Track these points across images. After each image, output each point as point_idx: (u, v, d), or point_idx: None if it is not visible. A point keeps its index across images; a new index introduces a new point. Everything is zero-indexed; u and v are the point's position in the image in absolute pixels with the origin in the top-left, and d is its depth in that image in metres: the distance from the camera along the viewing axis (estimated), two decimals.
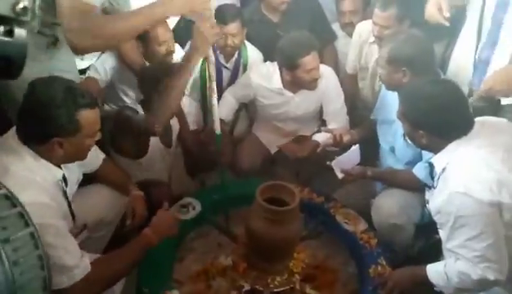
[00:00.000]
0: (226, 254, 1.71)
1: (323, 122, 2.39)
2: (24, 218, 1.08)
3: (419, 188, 1.65)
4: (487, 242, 1.30)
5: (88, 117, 1.36)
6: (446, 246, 1.40)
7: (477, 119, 1.44)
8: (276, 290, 1.56)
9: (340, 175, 1.91)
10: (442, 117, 1.37)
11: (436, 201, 1.39)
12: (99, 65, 2.14)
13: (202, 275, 1.65)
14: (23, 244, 1.04)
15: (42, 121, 1.32)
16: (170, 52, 2.19)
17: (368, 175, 1.88)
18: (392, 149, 1.94)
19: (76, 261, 1.31)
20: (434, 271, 1.46)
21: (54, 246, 1.25)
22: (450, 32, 2.04)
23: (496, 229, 1.30)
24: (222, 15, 2.30)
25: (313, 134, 2.33)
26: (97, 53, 2.17)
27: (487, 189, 1.29)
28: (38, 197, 1.28)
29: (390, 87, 1.83)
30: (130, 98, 2.26)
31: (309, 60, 2.12)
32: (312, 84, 2.21)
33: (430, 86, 1.43)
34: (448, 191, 1.33)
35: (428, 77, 1.64)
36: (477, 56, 1.83)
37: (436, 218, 1.42)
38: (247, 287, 1.57)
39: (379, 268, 1.61)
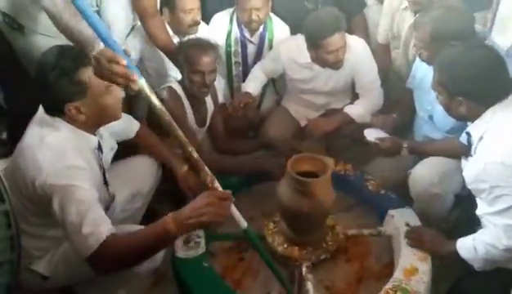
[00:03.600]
0: (257, 228, 1.71)
1: (356, 95, 2.33)
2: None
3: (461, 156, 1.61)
4: None
5: (91, 74, 1.30)
6: (480, 212, 1.40)
7: None
8: (309, 262, 1.56)
9: (373, 139, 1.86)
10: (482, 82, 1.36)
11: (472, 169, 1.38)
12: (129, 44, 2.14)
13: (235, 247, 1.67)
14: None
15: (46, 89, 1.33)
16: (196, 22, 2.20)
17: (404, 147, 1.82)
18: (431, 118, 1.88)
19: (91, 229, 1.18)
20: (463, 245, 1.45)
21: (74, 212, 1.20)
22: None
23: None
24: None
25: (344, 106, 2.28)
26: None
27: None
28: (72, 160, 1.30)
29: (431, 62, 1.74)
30: (161, 76, 2.27)
31: (333, 41, 2.06)
32: (335, 65, 2.15)
33: (468, 52, 1.42)
34: (485, 160, 1.31)
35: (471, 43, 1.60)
36: None
37: (471, 187, 1.41)
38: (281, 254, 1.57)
39: None
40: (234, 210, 1.23)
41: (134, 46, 2.14)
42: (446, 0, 1.98)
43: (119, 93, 1.42)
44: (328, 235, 1.64)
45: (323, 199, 1.52)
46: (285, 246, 1.60)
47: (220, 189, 1.20)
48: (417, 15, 1.93)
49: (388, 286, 1.40)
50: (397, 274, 1.44)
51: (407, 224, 1.62)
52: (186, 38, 2.15)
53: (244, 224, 1.26)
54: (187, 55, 1.96)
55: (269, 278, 1.47)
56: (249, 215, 1.75)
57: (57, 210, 1.24)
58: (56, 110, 1.38)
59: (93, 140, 1.46)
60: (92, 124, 1.44)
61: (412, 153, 1.84)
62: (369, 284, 1.52)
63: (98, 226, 1.19)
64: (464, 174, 1.45)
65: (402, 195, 1.79)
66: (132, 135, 1.80)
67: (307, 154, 1.60)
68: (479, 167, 1.34)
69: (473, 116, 1.41)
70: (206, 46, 1.99)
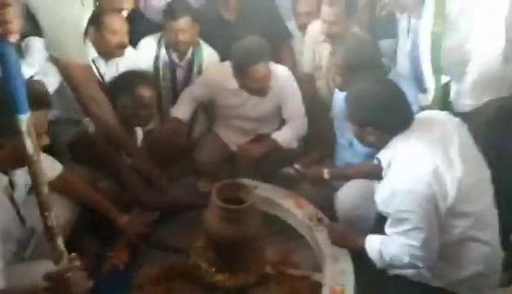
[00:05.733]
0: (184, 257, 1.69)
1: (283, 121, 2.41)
2: None
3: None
4: (421, 236, 1.40)
5: (34, 117, 1.23)
6: (387, 231, 1.51)
7: (418, 114, 1.57)
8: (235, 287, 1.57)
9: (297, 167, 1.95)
10: (385, 113, 1.48)
11: (381, 194, 1.49)
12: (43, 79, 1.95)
13: (162, 278, 1.63)
14: None
15: None
16: (122, 45, 2.15)
17: (326, 178, 1.87)
18: (351, 144, 1.99)
19: None
20: (371, 245, 1.56)
21: None
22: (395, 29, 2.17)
23: (431, 223, 1.40)
24: (170, 11, 2.30)
25: (272, 132, 2.33)
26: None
27: (423, 182, 1.38)
28: None
29: (346, 90, 1.82)
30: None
31: (257, 69, 2.11)
32: (260, 92, 2.22)
33: (372, 86, 1.55)
34: (392, 187, 1.43)
35: (378, 73, 1.76)
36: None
37: (380, 209, 1.52)
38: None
39: None
40: None
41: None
42: (357, 32, 2.16)
43: (46, 140, 1.38)
44: (257, 259, 1.65)
45: (249, 225, 1.54)
46: (213, 272, 1.59)
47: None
48: (333, 44, 2.08)
49: None
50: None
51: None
52: (121, 69, 2.08)
53: None
54: (133, 91, 1.92)
55: None
56: (178, 243, 1.75)
57: None
58: None
59: (4, 179, 1.37)
60: (6, 164, 1.36)
61: (334, 179, 1.92)
62: None
63: None
64: (375, 198, 1.55)
65: (329, 216, 1.86)
66: (51, 177, 1.64)
67: (231, 181, 1.62)
68: (387, 192, 1.45)
69: (382, 144, 1.53)
70: (149, 79, 2.01)
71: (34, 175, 1.01)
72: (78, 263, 1.18)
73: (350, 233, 1.69)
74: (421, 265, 1.45)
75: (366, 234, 1.79)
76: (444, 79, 1.89)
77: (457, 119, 1.56)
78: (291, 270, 1.72)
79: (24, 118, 0.95)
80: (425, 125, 1.51)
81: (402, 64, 2.06)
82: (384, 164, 1.49)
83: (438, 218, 1.41)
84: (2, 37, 0.86)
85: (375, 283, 1.61)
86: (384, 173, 1.50)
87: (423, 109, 1.79)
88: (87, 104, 1.74)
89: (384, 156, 1.50)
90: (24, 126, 0.96)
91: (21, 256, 1.48)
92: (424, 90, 1.93)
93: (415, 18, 1.93)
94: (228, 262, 1.60)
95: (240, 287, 1.59)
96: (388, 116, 1.48)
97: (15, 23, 0.88)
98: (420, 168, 1.40)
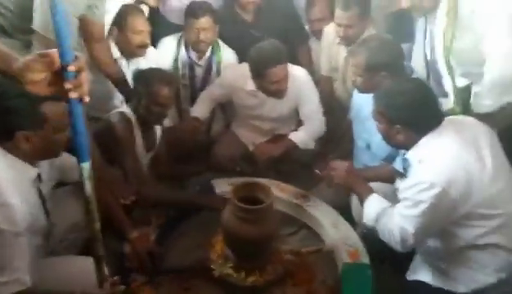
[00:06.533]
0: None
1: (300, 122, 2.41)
2: None
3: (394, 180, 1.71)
4: (419, 226, 1.42)
5: (55, 109, 1.33)
6: (397, 206, 1.51)
7: (447, 117, 1.54)
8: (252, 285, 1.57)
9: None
10: (417, 110, 1.47)
11: (405, 183, 1.49)
12: None
13: (180, 276, 1.64)
14: None
15: (5, 113, 1.30)
16: (145, 44, 2.20)
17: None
18: (368, 147, 1.99)
19: (7, 279, 1.26)
20: (372, 205, 1.58)
21: None
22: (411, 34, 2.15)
23: (434, 220, 1.43)
24: (192, 10, 2.34)
25: (290, 133, 2.35)
26: None
27: (451, 181, 1.37)
28: (3, 198, 1.26)
29: (366, 91, 1.86)
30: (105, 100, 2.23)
31: (274, 72, 2.13)
32: (278, 94, 2.23)
33: (404, 84, 1.55)
34: (419, 179, 1.42)
35: (401, 76, 1.76)
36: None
37: (403, 195, 1.50)
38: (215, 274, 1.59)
39: None
40: None
41: None
42: (375, 34, 2.12)
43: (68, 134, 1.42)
44: (274, 259, 1.66)
45: (267, 225, 1.55)
46: (231, 271, 1.60)
47: None
48: (353, 45, 2.06)
49: None
50: None
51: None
52: (147, 68, 2.10)
53: None
54: (151, 87, 1.93)
55: None
56: (196, 241, 1.77)
57: None
58: (3, 136, 1.34)
59: (32, 171, 1.42)
60: (35, 156, 1.42)
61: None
62: None
63: (16, 277, 1.26)
64: (398, 186, 1.55)
65: (347, 218, 1.86)
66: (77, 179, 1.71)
67: (249, 181, 1.63)
68: (411, 182, 1.44)
69: (410, 143, 1.51)
70: (169, 79, 1.99)
71: (89, 212, 1.10)
72: (120, 288, 1.28)
73: (354, 174, 1.71)
74: (399, 249, 1.48)
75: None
76: (464, 82, 1.86)
77: (485, 125, 1.55)
78: (304, 249, 1.75)
79: (86, 166, 1.05)
80: (455, 126, 1.50)
81: (420, 68, 2.03)
82: (413, 162, 1.47)
83: (445, 219, 1.41)
84: (77, 99, 0.95)
85: (397, 291, 1.61)
86: (411, 172, 1.48)
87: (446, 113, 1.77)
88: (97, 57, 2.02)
89: (414, 155, 1.48)
90: (85, 173, 1.05)
91: (44, 251, 1.52)
92: (445, 94, 1.91)
93: (431, 19, 1.90)
94: (245, 261, 1.61)
95: (257, 286, 1.59)
96: (419, 114, 1.47)
97: (87, 85, 0.96)
98: (453, 168, 1.39)
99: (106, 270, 1.19)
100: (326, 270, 1.70)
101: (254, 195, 1.59)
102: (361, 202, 1.63)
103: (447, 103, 1.87)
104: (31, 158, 1.40)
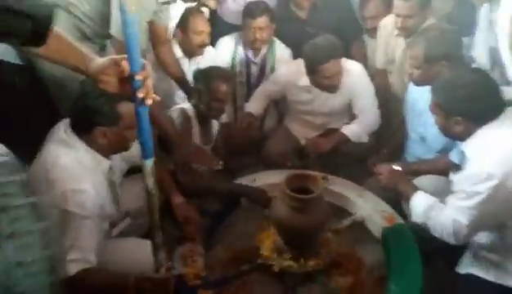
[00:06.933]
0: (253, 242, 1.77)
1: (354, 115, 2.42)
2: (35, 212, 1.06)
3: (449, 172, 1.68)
4: (473, 218, 1.41)
5: (128, 109, 1.46)
6: (448, 199, 1.51)
7: (508, 108, 1.49)
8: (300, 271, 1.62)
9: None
10: (477, 103, 1.45)
11: (460, 175, 1.49)
12: None
13: (232, 261, 1.72)
14: (30, 243, 0.98)
15: (87, 110, 1.48)
16: (205, 44, 2.35)
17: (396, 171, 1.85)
18: (423, 139, 1.96)
19: (75, 256, 1.36)
20: (419, 201, 1.60)
21: (67, 236, 1.36)
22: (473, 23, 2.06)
23: (489, 211, 1.41)
24: (250, 10, 2.44)
25: (342, 126, 2.37)
26: None
27: (508, 172, 1.34)
28: (79, 185, 1.43)
29: (423, 83, 1.84)
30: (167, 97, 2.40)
31: (328, 67, 2.17)
32: (331, 88, 2.26)
33: (465, 75, 1.52)
34: (476, 169, 1.40)
35: (461, 66, 1.72)
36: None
37: (458, 188, 1.49)
38: (276, 269, 1.63)
39: None
40: None
41: None
42: (434, 24, 2.07)
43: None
44: (323, 248, 1.70)
45: (316, 215, 1.60)
46: (291, 263, 1.65)
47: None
48: (412, 36, 2.02)
49: None
50: None
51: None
52: (202, 67, 2.27)
53: None
54: (210, 84, 2.09)
55: None
56: (244, 230, 1.86)
57: (57, 227, 1.36)
58: (83, 130, 1.52)
59: (106, 162, 1.58)
60: (109, 150, 1.58)
61: (407, 174, 1.88)
62: None
63: (82, 256, 1.38)
64: (452, 184, 1.54)
65: (398, 211, 1.86)
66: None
67: (300, 172, 1.69)
68: (467, 173, 1.44)
69: (467, 134, 1.49)
70: (227, 76, 2.15)
71: (151, 204, 1.25)
72: (172, 273, 1.41)
73: (398, 174, 1.76)
74: (453, 242, 1.47)
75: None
76: None
77: None
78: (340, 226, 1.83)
79: (150, 162, 1.19)
80: None
81: (483, 56, 1.95)
82: (468, 154, 1.46)
83: (500, 212, 1.39)
84: (143, 101, 1.10)
85: (446, 283, 1.58)
86: (467, 163, 1.46)
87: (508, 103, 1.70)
88: (161, 58, 2.18)
89: (472, 145, 1.47)
90: (148, 168, 1.19)
91: (108, 236, 1.67)
92: (508, 82, 1.82)
93: (495, 7, 1.83)
94: (299, 250, 1.67)
95: (308, 274, 1.63)
96: (480, 106, 1.45)
97: (151, 90, 1.11)
98: (510, 162, 1.36)
99: (163, 256, 1.32)
100: (374, 262, 1.71)
101: (303, 186, 1.65)
102: (407, 200, 1.63)
103: (511, 92, 1.79)
104: (105, 152, 1.57)
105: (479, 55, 1.95)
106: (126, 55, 1.08)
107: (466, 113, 1.46)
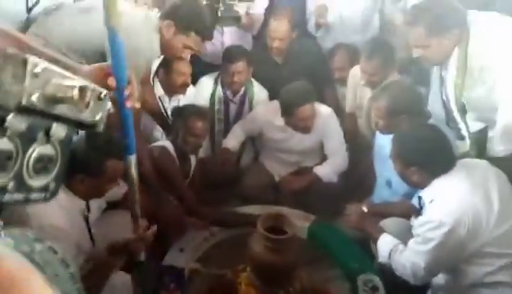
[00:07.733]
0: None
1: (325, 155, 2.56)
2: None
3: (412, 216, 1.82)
4: (429, 262, 1.54)
5: (115, 166, 1.52)
6: (409, 243, 1.64)
7: (461, 160, 1.65)
8: None
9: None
10: (431, 155, 1.59)
11: (418, 220, 1.62)
12: None
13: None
14: None
15: (74, 159, 1.48)
16: (186, 84, 2.46)
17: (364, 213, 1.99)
18: (389, 183, 2.10)
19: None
20: (385, 242, 1.75)
21: None
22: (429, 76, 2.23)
23: (443, 256, 1.54)
24: (228, 55, 2.57)
25: (314, 166, 2.51)
26: None
27: (459, 220, 1.48)
28: (55, 220, 1.44)
29: (387, 133, 1.98)
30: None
31: (303, 110, 2.33)
32: (305, 130, 2.41)
33: (421, 130, 1.69)
34: (429, 217, 1.54)
35: (420, 119, 1.88)
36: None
37: (417, 231, 1.62)
38: None
39: None
40: None
41: None
42: (396, 81, 2.23)
43: (121, 189, 1.66)
44: (296, 286, 1.78)
45: (290, 255, 1.68)
46: None
47: None
48: (376, 89, 2.20)
49: None
50: None
51: None
52: (181, 104, 2.40)
53: None
54: (187, 120, 2.21)
55: None
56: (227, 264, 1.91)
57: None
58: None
59: (81, 203, 1.60)
60: (85, 196, 1.59)
61: (372, 215, 2.02)
62: None
63: None
64: (413, 223, 1.68)
65: (367, 251, 1.96)
66: (118, 197, 1.91)
67: (274, 212, 1.78)
68: (424, 220, 1.57)
69: (424, 184, 1.63)
70: (203, 113, 2.29)
71: (132, 193, 1.39)
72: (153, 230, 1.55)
73: (366, 217, 1.90)
74: (412, 282, 1.62)
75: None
76: (480, 126, 1.94)
77: (496, 168, 1.64)
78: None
79: (133, 157, 1.30)
80: (467, 169, 1.60)
81: (436, 111, 2.13)
82: (426, 201, 1.59)
83: (454, 255, 1.51)
84: (126, 103, 1.17)
85: None
86: (424, 209, 1.60)
87: (461, 156, 1.84)
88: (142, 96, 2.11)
89: (426, 195, 1.61)
90: (132, 162, 1.31)
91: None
92: (461, 137, 2.00)
93: (444, 67, 1.94)
94: (269, 287, 1.74)
95: None
96: (434, 158, 1.59)
97: (137, 95, 1.19)
98: (461, 208, 1.49)
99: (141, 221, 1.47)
100: None
101: (276, 225, 1.74)
102: (374, 241, 1.76)
103: (464, 146, 1.97)
104: (82, 197, 1.59)
105: (435, 109, 2.12)
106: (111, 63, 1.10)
107: (420, 164, 1.60)
